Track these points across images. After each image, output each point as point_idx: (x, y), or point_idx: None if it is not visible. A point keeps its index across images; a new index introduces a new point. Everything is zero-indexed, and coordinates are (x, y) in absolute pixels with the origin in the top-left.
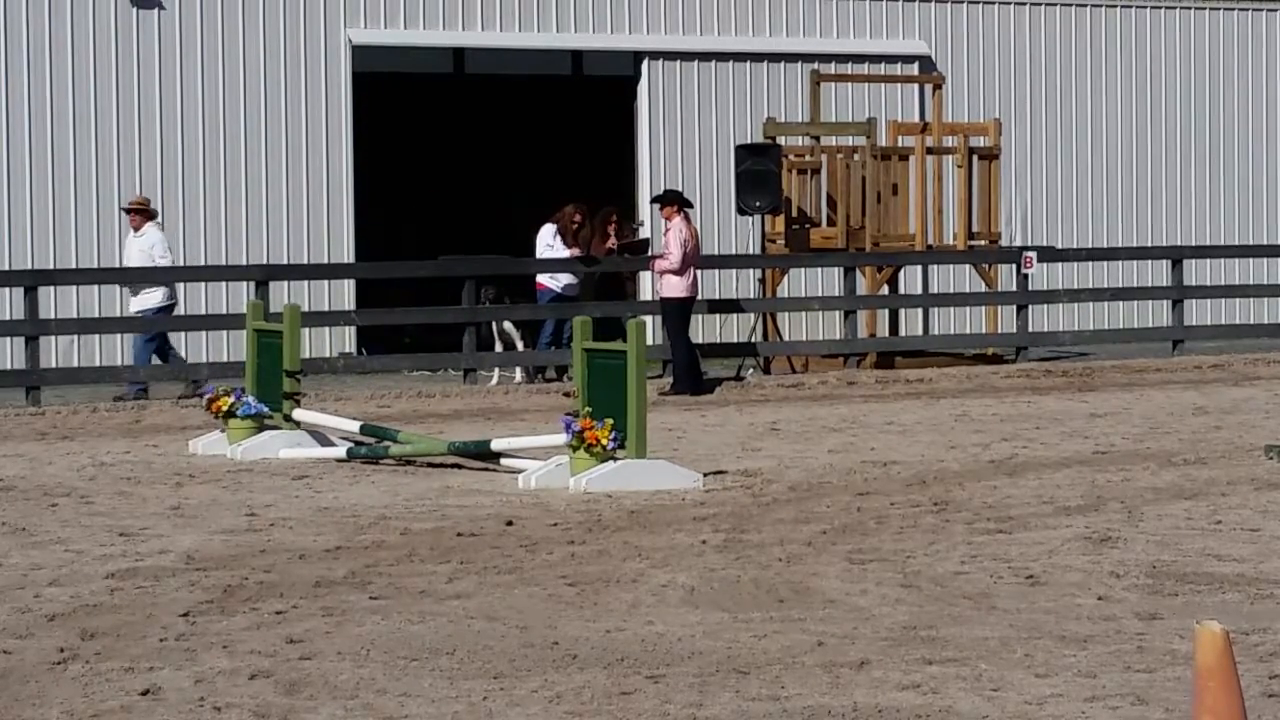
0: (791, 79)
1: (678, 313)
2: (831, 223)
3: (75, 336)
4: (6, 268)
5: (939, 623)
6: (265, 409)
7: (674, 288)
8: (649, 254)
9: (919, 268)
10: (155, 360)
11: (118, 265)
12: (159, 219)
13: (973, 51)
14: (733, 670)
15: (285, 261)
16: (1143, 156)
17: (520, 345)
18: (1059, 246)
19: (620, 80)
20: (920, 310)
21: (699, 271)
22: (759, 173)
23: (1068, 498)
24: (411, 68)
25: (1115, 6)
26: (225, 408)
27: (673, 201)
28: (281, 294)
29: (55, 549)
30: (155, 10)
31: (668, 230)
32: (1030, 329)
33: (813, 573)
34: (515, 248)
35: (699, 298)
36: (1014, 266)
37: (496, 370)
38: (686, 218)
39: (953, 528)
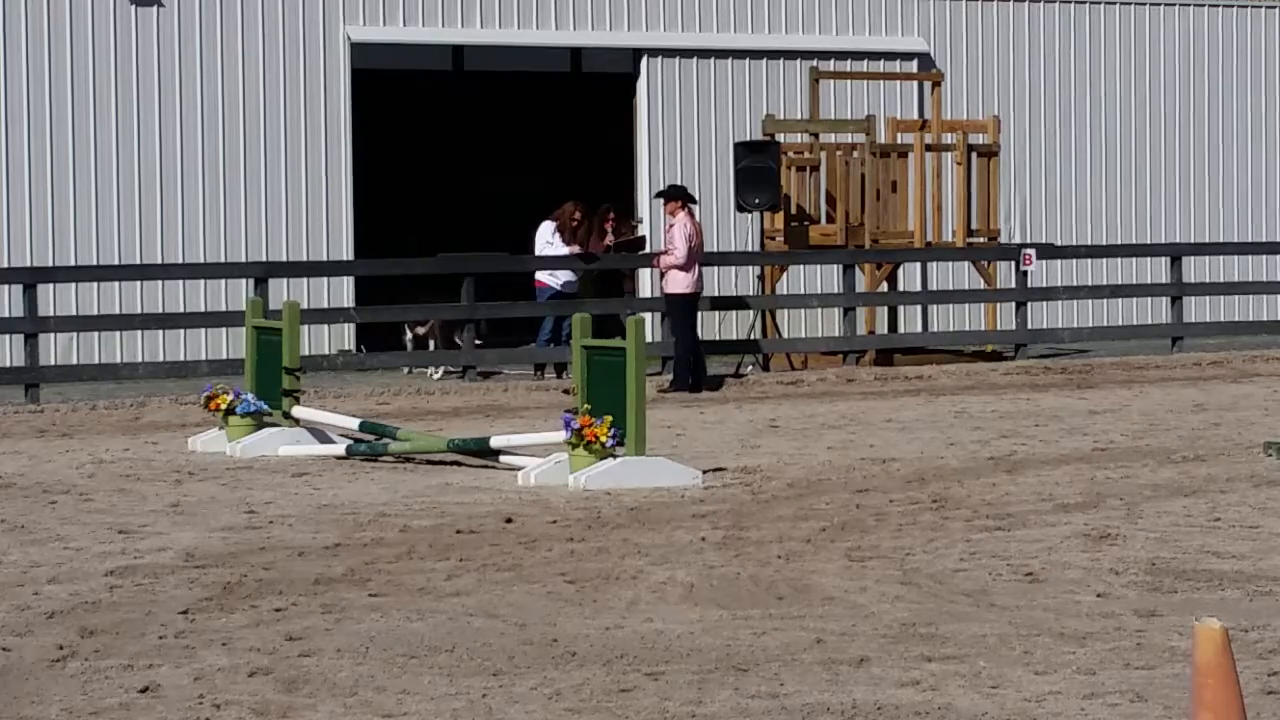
0: (790, 76)
1: (682, 308)
2: (830, 220)
3: (74, 334)
4: (6, 265)
5: (938, 620)
6: (264, 406)
7: (678, 283)
8: (646, 251)
9: (918, 265)
10: None
11: (117, 262)
12: None
13: (972, 49)
14: (732, 667)
15: (285, 259)
16: (1141, 154)
17: (431, 344)
18: (1058, 243)
19: (619, 77)
20: (919, 307)
21: (703, 268)
22: (758, 170)
23: (1067, 495)
24: (410, 65)
25: (1114, 4)
26: (224, 405)
27: (677, 197)
28: (281, 291)
29: (54, 546)
30: (154, 8)
31: (672, 226)
32: (1029, 326)
33: (812, 570)
34: (515, 245)
35: (704, 294)
36: (1013, 263)
37: (441, 367)
38: (691, 213)
39: (952, 525)
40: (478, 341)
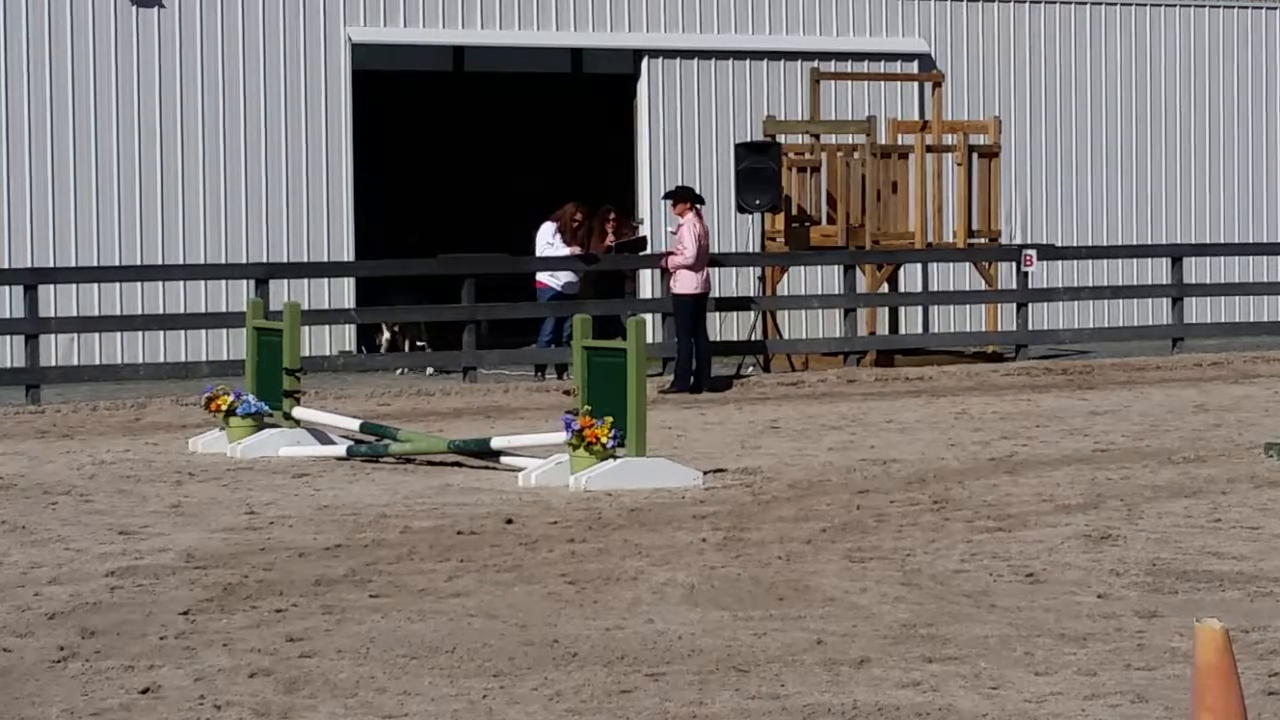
0: (791, 77)
1: (689, 309)
2: (831, 221)
3: (75, 335)
4: (6, 266)
5: (939, 621)
6: (265, 407)
7: (687, 283)
8: (647, 252)
9: (919, 266)
10: None
11: (117, 263)
12: None
13: (972, 49)
14: (732, 668)
15: (285, 260)
16: (1142, 154)
17: (389, 342)
18: (1059, 244)
19: (620, 78)
20: (920, 308)
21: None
22: (759, 171)
23: (1067, 496)
24: (411, 66)
25: (1115, 4)
26: (225, 406)
27: (685, 198)
28: (281, 292)
29: (55, 547)
30: (155, 9)
31: (680, 226)
32: (1030, 327)
33: (812, 571)
34: (515, 246)
35: (709, 294)
36: (1014, 264)
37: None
38: (699, 214)
39: (952, 526)
40: (423, 343)
